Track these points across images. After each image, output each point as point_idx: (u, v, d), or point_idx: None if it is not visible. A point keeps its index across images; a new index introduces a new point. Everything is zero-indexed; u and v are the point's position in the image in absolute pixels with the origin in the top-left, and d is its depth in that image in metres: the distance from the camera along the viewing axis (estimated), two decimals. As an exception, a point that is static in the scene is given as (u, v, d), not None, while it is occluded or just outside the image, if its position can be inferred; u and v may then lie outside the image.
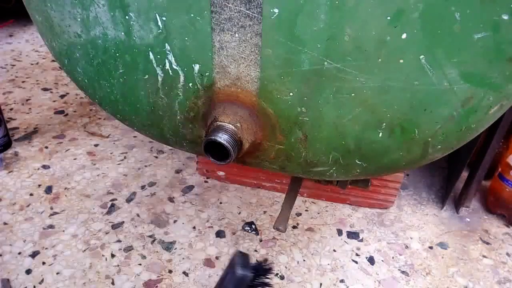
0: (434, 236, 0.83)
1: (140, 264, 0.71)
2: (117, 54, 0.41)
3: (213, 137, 0.39)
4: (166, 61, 0.40)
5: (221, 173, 0.92)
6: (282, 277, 0.70)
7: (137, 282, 0.67)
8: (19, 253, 0.71)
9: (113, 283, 0.67)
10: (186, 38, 0.37)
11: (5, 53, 1.55)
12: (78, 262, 0.70)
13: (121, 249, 0.73)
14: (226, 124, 0.40)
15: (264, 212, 0.85)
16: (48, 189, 0.86)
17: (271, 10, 0.33)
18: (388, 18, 0.31)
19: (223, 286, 0.42)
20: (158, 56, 0.39)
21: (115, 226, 0.78)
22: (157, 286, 0.67)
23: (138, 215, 0.81)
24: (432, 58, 0.33)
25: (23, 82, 1.33)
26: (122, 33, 0.39)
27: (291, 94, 0.38)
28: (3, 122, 0.94)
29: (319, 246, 0.78)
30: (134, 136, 1.07)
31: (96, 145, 1.02)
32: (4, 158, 0.93)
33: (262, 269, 0.43)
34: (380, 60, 0.33)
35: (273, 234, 0.79)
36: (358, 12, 0.31)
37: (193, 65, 0.39)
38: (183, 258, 0.73)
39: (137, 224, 0.79)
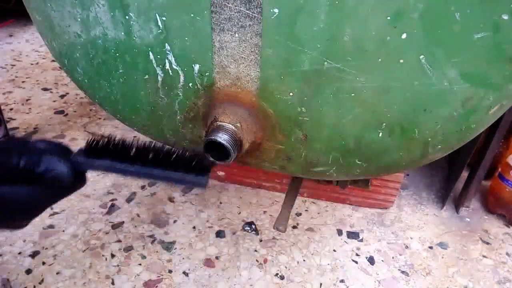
0: (434, 236, 0.83)
1: (140, 264, 0.71)
2: (117, 54, 0.41)
3: (213, 137, 0.39)
4: (166, 61, 0.40)
5: (221, 173, 0.92)
6: (282, 277, 0.70)
7: (137, 282, 0.67)
8: (19, 253, 0.71)
9: (113, 283, 0.67)
10: (186, 38, 0.37)
11: (5, 53, 1.55)
12: (78, 262, 0.70)
13: (121, 249, 0.73)
14: (226, 124, 0.40)
15: (264, 212, 0.85)
16: (48, 189, 0.86)
17: (271, 10, 0.33)
18: (388, 18, 0.31)
19: None
20: (158, 56, 0.39)
21: (115, 226, 0.78)
22: (157, 286, 0.67)
23: (138, 215, 0.81)
24: (432, 58, 0.33)
25: (23, 82, 1.33)
26: (122, 33, 0.39)
27: (291, 94, 0.38)
28: (3, 122, 0.94)
29: (319, 246, 0.78)
30: (134, 136, 1.07)
31: (96, 145, 1.02)
32: (4, 158, 0.93)
33: None
34: (380, 60, 0.33)
35: (273, 234, 0.79)
36: (358, 12, 0.31)
37: (193, 65, 0.39)
38: (183, 258, 0.73)
39: (137, 224, 0.79)
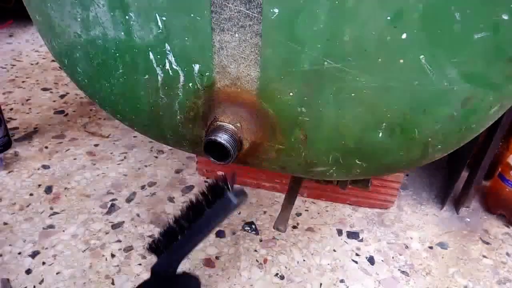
0: (434, 236, 0.83)
1: (140, 264, 0.71)
2: (117, 54, 0.41)
3: (213, 137, 0.39)
4: (166, 61, 0.40)
5: (221, 173, 0.92)
6: (282, 277, 0.70)
7: (137, 282, 0.67)
8: (19, 253, 0.71)
9: (113, 283, 0.67)
10: (186, 38, 0.37)
11: (5, 53, 1.55)
12: (78, 262, 0.70)
13: (121, 249, 0.73)
14: (226, 124, 0.40)
15: (264, 212, 0.85)
16: (48, 189, 0.86)
17: (271, 10, 0.33)
18: (388, 18, 0.31)
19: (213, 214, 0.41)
20: (158, 56, 0.39)
21: (115, 226, 0.78)
22: (157, 286, 0.67)
23: (138, 215, 0.81)
24: (432, 58, 0.33)
25: (23, 82, 1.33)
26: (122, 33, 0.39)
27: (291, 94, 0.38)
28: (3, 122, 0.94)
29: (319, 246, 0.78)
30: (134, 136, 1.07)
31: (96, 145, 1.02)
32: (4, 158, 0.93)
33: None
34: (380, 60, 0.33)
35: (273, 234, 0.79)
36: (358, 12, 0.31)
37: (193, 65, 0.39)
38: (183, 258, 0.73)
39: (137, 224, 0.79)
